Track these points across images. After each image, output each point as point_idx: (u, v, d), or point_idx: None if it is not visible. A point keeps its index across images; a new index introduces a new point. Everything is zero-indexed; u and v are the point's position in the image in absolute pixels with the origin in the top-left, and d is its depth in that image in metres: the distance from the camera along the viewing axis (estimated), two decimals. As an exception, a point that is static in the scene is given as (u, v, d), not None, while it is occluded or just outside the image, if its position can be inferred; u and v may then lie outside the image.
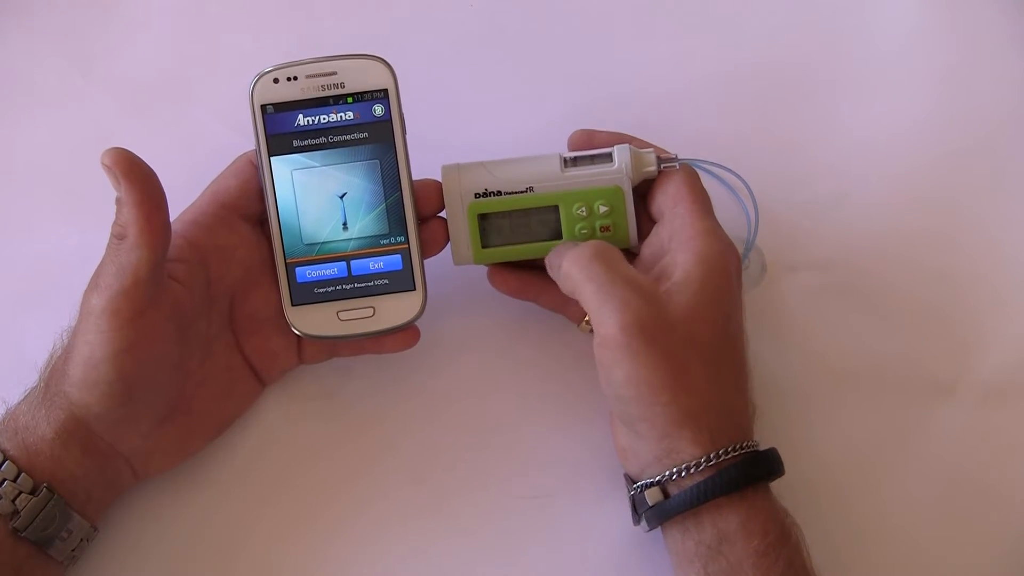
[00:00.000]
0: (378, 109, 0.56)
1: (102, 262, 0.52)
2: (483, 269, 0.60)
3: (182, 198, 0.57)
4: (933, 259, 0.64)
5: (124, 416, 0.52)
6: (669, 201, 0.56)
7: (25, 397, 0.53)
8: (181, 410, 0.55)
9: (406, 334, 0.58)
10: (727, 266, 0.53)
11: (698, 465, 0.50)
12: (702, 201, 0.55)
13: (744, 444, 0.51)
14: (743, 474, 0.50)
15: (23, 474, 0.51)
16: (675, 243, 0.54)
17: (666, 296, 0.51)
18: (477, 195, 0.57)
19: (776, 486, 0.53)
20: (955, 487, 0.59)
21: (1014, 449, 0.60)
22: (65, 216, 0.65)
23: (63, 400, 0.52)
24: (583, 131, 0.59)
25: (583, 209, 0.56)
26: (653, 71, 0.68)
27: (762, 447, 0.53)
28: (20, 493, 0.50)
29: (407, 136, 0.56)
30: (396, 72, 0.56)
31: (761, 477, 0.51)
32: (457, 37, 0.69)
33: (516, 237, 0.57)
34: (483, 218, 0.57)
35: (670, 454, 0.51)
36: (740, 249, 0.57)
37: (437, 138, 0.58)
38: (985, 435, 0.60)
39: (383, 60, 0.55)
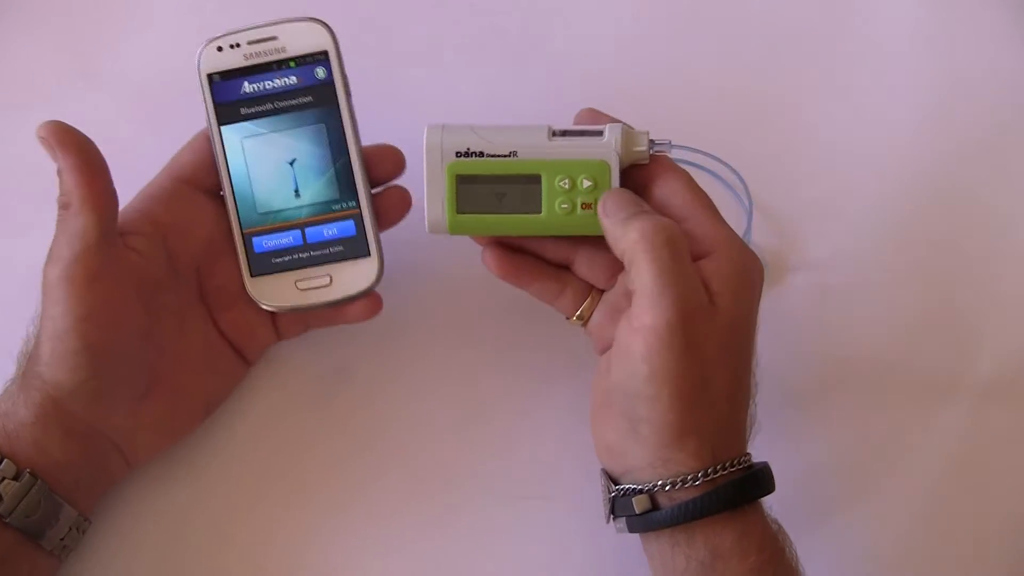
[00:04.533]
0: (320, 72, 0.55)
1: (54, 236, 0.52)
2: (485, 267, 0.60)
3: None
4: (933, 259, 0.64)
5: (96, 390, 0.52)
6: (679, 202, 0.53)
7: (6, 387, 0.54)
8: (161, 386, 0.55)
9: (368, 302, 0.57)
10: (758, 280, 0.52)
11: (695, 479, 0.49)
12: (714, 207, 0.54)
13: (740, 460, 0.50)
14: (739, 492, 0.49)
15: (5, 460, 0.51)
16: (703, 248, 0.52)
17: (711, 303, 0.50)
18: (459, 154, 0.54)
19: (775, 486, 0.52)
20: (955, 487, 0.59)
21: (1014, 449, 0.60)
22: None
23: (38, 382, 0.52)
24: (591, 110, 0.56)
25: (565, 182, 0.54)
26: (653, 70, 0.68)
27: (756, 458, 0.51)
28: (3, 479, 0.50)
29: (352, 98, 0.56)
30: (337, 35, 0.55)
31: (756, 495, 0.50)
32: (457, 36, 0.69)
33: (493, 207, 0.54)
34: (461, 181, 0.54)
35: (666, 463, 0.49)
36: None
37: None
38: (985, 435, 0.60)
39: (322, 21, 0.55)
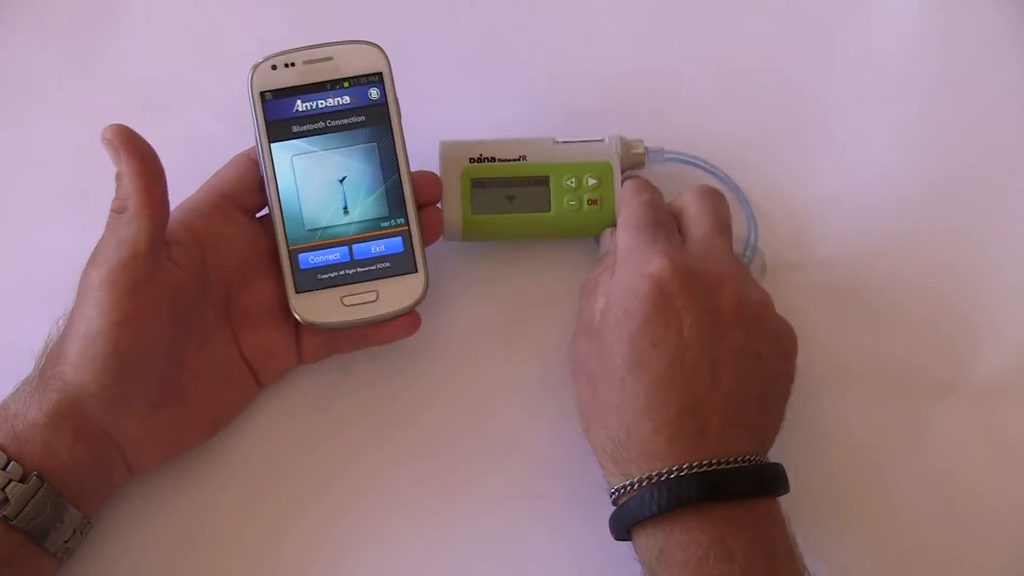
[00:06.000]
0: (374, 93, 0.56)
1: (101, 238, 0.52)
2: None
3: (182, 198, 0.57)
4: (933, 259, 0.64)
5: (117, 395, 0.52)
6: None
7: (18, 387, 0.53)
8: (175, 400, 0.55)
9: (407, 320, 0.58)
10: (633, 293, 0.54)
11: (622, 489, 0.52)
12: (640, 227, 0.57)
13: (700, 463, 0.50)
14: (656, 498, 0.50)
15: (13, 462, 0.50)
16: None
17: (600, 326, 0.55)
18: (472, 159, 0.60)
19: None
20: (955, 487, 0.60)
21: (1014, 449, 0.61)
22: (65, 216, 0.65)
23: (58, 382, 0.52)
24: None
25: (572, 180, 0.60)
26: (653, 72, 0.68)
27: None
28: (10, 481, 0.50)
29: (402, 120, 0.57)
30: (390, 58, 0.57)
31: (672, 504, 0.50)
32: (458, 38, 0.69)
33: (505, 207, 0.60)
34: (475, 185, 0.60)
35: (613, 464, 0.54)
36: (738, 247, 0.59)
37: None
38: (985, 435, 0.61)
39: (376, 45, 0.57)
